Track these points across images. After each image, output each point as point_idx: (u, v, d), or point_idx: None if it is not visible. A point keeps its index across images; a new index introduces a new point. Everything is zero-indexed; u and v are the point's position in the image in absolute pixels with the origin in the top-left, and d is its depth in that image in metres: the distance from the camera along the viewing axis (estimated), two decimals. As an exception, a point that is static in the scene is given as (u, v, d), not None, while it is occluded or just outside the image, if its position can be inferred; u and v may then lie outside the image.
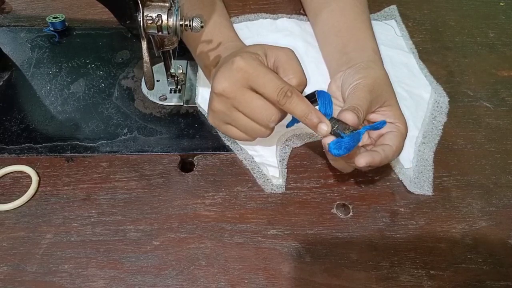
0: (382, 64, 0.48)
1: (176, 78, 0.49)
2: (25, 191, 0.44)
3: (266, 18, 0.60)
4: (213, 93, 0.42)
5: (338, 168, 0.45)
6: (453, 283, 0.40)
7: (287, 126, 0.45)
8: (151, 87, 0.43)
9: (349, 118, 0.39)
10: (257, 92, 0.40)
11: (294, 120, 0.43)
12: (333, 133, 0.40)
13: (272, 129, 0.43)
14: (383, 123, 0.43)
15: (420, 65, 0.56)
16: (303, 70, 0.42)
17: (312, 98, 0.42)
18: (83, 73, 0.54)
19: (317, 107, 0.41)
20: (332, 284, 0.40)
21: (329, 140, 0.39)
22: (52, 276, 0.39)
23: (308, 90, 0.52)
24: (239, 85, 0.40)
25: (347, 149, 0.39)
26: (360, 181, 0.46)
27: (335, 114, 0.41)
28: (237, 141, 0.48)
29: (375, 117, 0.44)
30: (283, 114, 0.42)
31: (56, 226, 0.42)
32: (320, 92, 0.42)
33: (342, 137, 0.39)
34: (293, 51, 0.43)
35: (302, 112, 0.39)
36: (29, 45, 0.57)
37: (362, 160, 0.40)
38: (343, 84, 0.46)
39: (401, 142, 0.42)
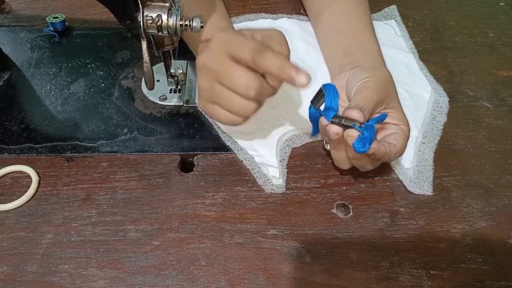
0: (385, 65, 0.48)
1: (176, 78, 0.49)
2: (25, 191, 0.44)
3: (266, 18, 0.60)
4: (197, 70, 0.43)
5: (339, 165, 0.45)
6: (453, 283, 0.40)
7: (311, 135, 0.47)
8: (151, 87, 0.43)
9: (355, 114, 0.39)
10: (237, 62, 0.40)
11: (316, 130, 0.44)
12: (343, 126, 0.40)
13: (257, 102, 0.41)
14: (385, 116, 0.42)
15: (420, 65, 0.56)
16: (287, 43, 0.41)
17: (320, 93, 0.42)
18: (83, 73, 0.54)
19: (323, 105, 0.42)
20: (332, 284, 0.40)
21: (353, 140, 0.39)
22: (52, 276, 0.39)
23: (309, 91, 0.52)
24: (218, 55, 0.40)
25: (370, 143, 0.39)
26: (360, 181, 0.46)
27: (339, 113, 0.41)
28: (237, 141, 0.48)
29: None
30: (262, 82, 0.40)
31: (56, 226, 0.42)
32: (326, 85, 0.42)
33: (353, 129, 0.40)
34: (280, 32, 0.42)
35: (277, 67, 0.38)
36: (29, 45, 0.57)
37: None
38: (348, 83, 0.46)
39: (404, 143, 0.42)
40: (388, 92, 0.44)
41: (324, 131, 0.42)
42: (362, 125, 0.40)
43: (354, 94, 0.44)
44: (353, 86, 0.45)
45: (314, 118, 0.44)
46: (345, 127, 0.40)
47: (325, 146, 0.46)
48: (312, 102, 0.43)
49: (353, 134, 0.39)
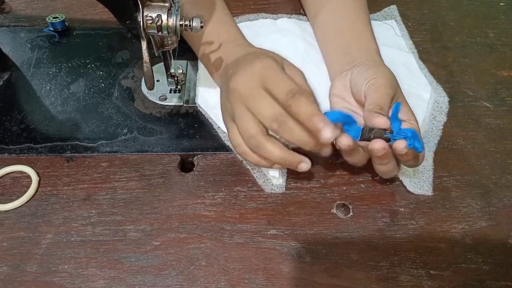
0: (383, 62, 0.48)
1: (176, 78, 0.49)
2: (25, 191, 0.44)
3: (266, 18, 0.60)
4: (228, 88, 0.43)
5: (387, 176, 0.44)
6: (453, 283, 0.40)
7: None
8: (151, 87, 0.43)
9: (382, 122, 0.39)
10: (269, 94, 0.40)
11: None
12: (373, 139, 0.40)
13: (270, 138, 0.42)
14: (399, 104, 0.42)
15: (420, 65, 0.56)
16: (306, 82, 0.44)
17: None
18: (83, 73, 0.54)
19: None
20: (332, 284, 0.40)
21: (405, 149, 0.39)
22: (52, 276, 0.39)
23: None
24: (254, 84, 0.41)
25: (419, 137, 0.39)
26: (360, 181, 0.46)
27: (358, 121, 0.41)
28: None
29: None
30: (288, 121, 0.40)
31: (56, 226, 0.42)
32: (330, 114, 0.40)
33: (391, 140, 0.39)
34: (304, 75, 0.44)
35: (306, 115, 0.38)
36: (29, 45, 0.57)
37: (401, 145, 0.39)
38: (354, 83, 0.46)
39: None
40: (397, 87, 0.44)
41: (349, 150, 0.41)
42: (390, 131, 0.39)
43: (366, 93, 0.43)
44: (362, 84, 0.44)
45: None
46: (386, 139, 0.40)
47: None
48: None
49: (403, 145, 0.39)
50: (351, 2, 0.54)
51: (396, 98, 0.43)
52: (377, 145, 0.39)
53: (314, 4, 0.57)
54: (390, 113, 0.41)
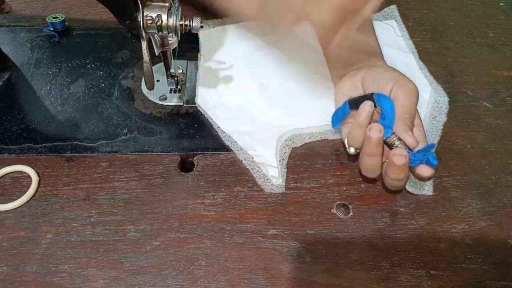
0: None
1: (176, 78, 0.49)
2: (25, 191, 0.44)
3: (266, 18, 0.60)
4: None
5: (369, 173, 0.44)
6: (453, 283, 0.40)
7: (333, 126, 0.47)
8: (151, 87, 0.43)
9: (410, 142, 0.40)
10: None
11: (336, 123, 0.46)
12: (393, 145, 0.41)
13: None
14: (433, 146, 0.43)
15: (420, 65, 0.56)
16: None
17: (366, 98, 0.42)
18: (83, 73, 0.54)
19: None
20: (332, 284, 0.40)
21: (429, 173, 0.40)
22: (52, 276, 0.39)
23: (309, 90, 0.52)
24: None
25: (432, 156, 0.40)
26: (360, 181, 0.46)
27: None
28: (237, 140, 0.48)
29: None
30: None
31: (56, 226, 0.42)
32: (381, 97, 0.41)
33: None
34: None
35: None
36: (29, 45, 0.57)
37: (427, 172, 0.40)
38: (366, 84, 0.46)
39: (423, 140, 0.43)
40: (417, 95, 0.44)
41: (361, 139, 0.42)
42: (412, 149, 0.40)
43: (394, 94, 0.43)
44: (387, 84, 0.43)
45: (342, 114, 0.44)
46: (393, 145, 0.41)
47: (349, 151, 0.44)
48: (351, 101, 0.43)
49: (429, 173, 0.40)
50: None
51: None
52: (399, 151, 0.40)
53: None
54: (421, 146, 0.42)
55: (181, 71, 0.49)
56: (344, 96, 0.47)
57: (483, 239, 0.43)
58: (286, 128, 0.49)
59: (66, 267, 0.40)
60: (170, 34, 0.40)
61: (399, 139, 0.41)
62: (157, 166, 0.47)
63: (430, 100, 0.53)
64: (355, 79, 0.47)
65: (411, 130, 0.41)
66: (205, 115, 0.50)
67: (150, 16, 0.38)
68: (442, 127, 0.51)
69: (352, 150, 0.43)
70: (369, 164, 0.42)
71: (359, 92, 0.46)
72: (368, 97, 0.42)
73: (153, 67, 0.46)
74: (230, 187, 0.45)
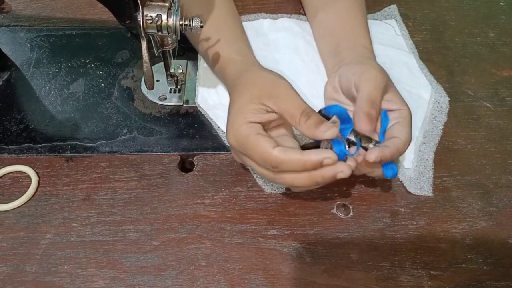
0: (375, 59, 0.48)
1: (176, 78, 0.49)
2: (25, 191, 0.44)
3: (266, 18, 0.60)
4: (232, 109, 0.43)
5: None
6: (454, 283, 0.40)
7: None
8: (150, 87, 0.43)
9: (368, 128, 0.40)
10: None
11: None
12: (363, 147, 0.41)
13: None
14: (386, 119, 0.42)
15: (420, 65, 0.56)
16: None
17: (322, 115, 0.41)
18: (83, 73, 0.54)
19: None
20: (332, 284, 0.39)
21: (380, 172, 0.40)
22: (52, 276, 0.39)
23: (308, 90, 0.52)
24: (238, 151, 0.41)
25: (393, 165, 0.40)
26: (360, 181, 0.46)
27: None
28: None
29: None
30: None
31: (55, 226, 0.42)
32: (328, 108, 0.41)
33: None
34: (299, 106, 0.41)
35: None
36: (28, 45, 0.57)
37: (372, 155, 0.38)
38: (342, 80, 0.45)
39: (409, 131, 0.41)
40: (387, 79, 0.43)
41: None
42: (375, 142, 0.40)
43: (357, 85, 0.43)
44: (350, 79, 0.43)
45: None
46: (365, 149, 0.40)
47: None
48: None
49: (373, 155, 0.38)
50: (348, 2, 0.53)
51: (386, 89, 0.43)
52: (371, 155, 0.39)
53: (312, 5, 0.57)
54: (379, 125, 0.42)
55: (181, 71, 0.49)
56: (331, 101, 0.48)
57: (483, 239, 0.43)
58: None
59: (65, 267, 0.40)
60: (170, 34, 0.40)
61: (356, 134, 0.40)
62: (156, 166, 0.47)
63: (431, 100, 0.53)
64: (335, 81, 0.47)
65: (370, 115, 0.40)
66: (205, 115, 0.50)
67: (150, 16, 0.38)
68: (442, 127, 0.51)
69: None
70: (373, 174, 0.42)
71: (339, 93, 0.46)
72: (321, 114, 0.41)
73: (153, 67, 0.46)
74: (230, 187, 0.45)
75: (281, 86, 0.41)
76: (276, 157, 0.37)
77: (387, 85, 0.43)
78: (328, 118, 0.41)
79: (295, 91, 0.41)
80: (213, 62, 0.49)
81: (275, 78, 0.43)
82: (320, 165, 0.37)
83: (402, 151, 0.41)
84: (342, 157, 0.39)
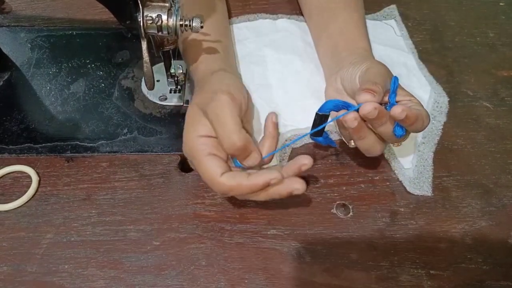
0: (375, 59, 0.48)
1: (176, 78, 0.49)
2: (25, 191, 0.44)
3: (265, 19, 0.60)
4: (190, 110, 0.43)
5: (370, 153, 0.43)
6: (453, 283, 0.40)
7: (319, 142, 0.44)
8: (151, 87, 0.43)
9: (367, 98, 0.38)
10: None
11: (327, 141, 0.44)
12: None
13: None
14: (396, 81, 0.41)
15: (419, 65, 0.56)
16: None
17: (320, 119, 0.41)
18: (83, 73, 0.54)
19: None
20: (332, 284, 0.40)
21: (389, 128, 0.39)
22: (52, 276, 0.39)
23: (308, 90, 0.52)
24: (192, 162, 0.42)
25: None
26: (360, 181, 0.46)
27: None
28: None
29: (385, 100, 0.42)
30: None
31: (56, 226, 0.42)
32: (324, 107, 0.41)
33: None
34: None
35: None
36: (29, 45, 0.57)
37: (399, 108, 0.37)
38: (346, 81, 0.45)
39: (425, 110, 0.40)
40: (390, 73, 0.43)
41: (343, 127, 0.42)
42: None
43: (361, 82, 0.42)
44: (354, 78, 0.43)
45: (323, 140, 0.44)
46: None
47: (349, 145, 0.44)
48: (313, 134, 0.42)
49: (399, 110, 0.37)
50: (344, 2, 0.53)
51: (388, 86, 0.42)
52: (349, 115, 0.38)
53: (308, 6, 0.57)
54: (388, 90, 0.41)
55: (181, 71, 0.49)
56: None
57: (483, 239, 0.43)
58: (286, 128, 0.49)
59: (66, 267, 0.40)
60: (170, 34, 0.40)
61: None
62: (157, 166, 0.47)
63: (430, 100, 0.53)
64: (337, 83, 0.47)
65: (371, 88, 0.39)
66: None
67: (150, 16, 0.38)
68: (442, 127, 0.51)
69: (352, 144, 0.44)
70: (363, 146, 0.42)
71: (343, 95, 0.46)
72: (319, 116, 0.41)
73: (153, 67, 0.46)
74: (230, 187, 0.45)
75: (214, 104, 0.40)
76: (223, 184, 0.38)
77: (389, 80, 0.42)
78: (327, 116, 0.41)
79: (229, 111, 0.39)
80: (189, 62, 0.49)
81: (218, 90, 0.41)
82: (268, 185, 0.38)
83: (424, 119, 0.40)
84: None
